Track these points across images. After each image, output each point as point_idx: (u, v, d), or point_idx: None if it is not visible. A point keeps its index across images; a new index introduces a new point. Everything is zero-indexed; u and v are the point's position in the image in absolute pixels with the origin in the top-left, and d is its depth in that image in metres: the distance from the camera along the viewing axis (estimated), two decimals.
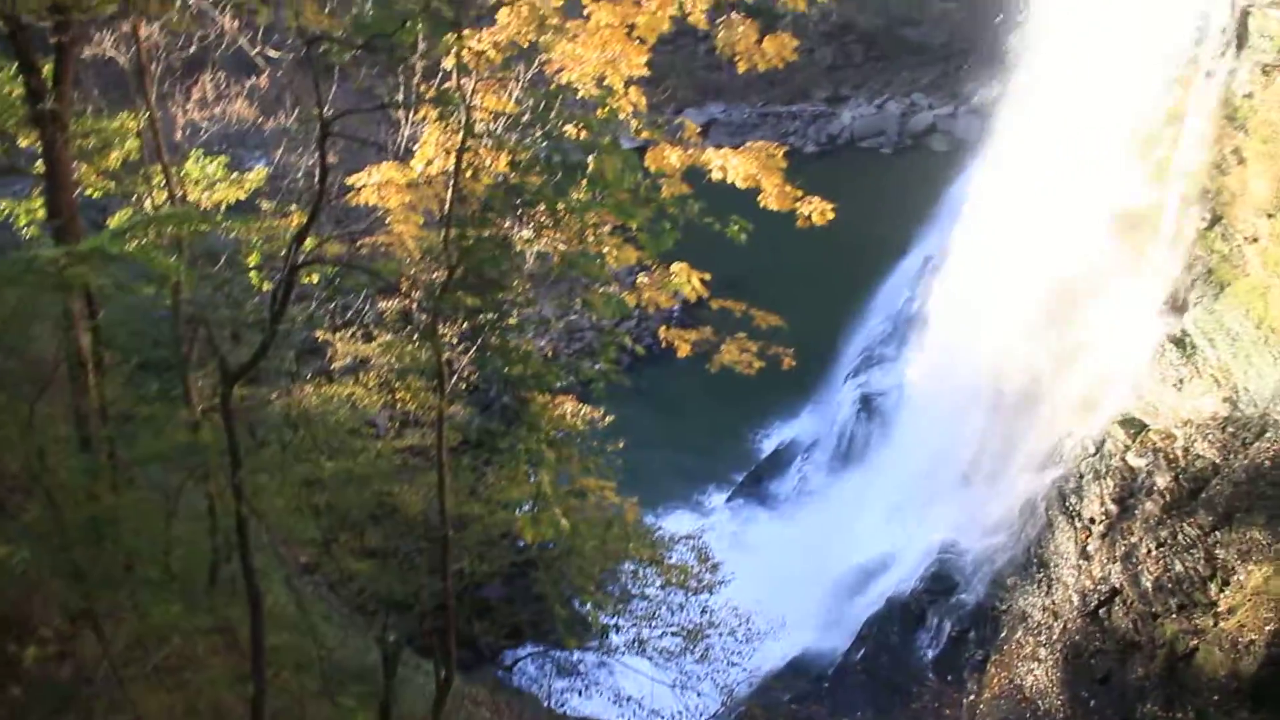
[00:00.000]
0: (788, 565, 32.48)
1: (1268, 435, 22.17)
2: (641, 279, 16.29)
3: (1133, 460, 25.23)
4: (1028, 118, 31.52)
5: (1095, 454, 26.44)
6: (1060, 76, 29.49)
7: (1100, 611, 24.31)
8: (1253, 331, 23.23)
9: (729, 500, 37.06)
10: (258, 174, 18.16)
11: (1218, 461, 23.11)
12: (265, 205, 18.27)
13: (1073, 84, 28.38)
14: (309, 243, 14.15)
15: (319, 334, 19.91)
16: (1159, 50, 24.64)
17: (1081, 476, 26.53)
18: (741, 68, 15.39)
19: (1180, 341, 25.32)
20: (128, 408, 14.54)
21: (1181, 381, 24.93)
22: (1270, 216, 22.48)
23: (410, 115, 15.51)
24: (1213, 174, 24.38)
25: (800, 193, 15.48)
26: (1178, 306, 26.00)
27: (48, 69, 13.25)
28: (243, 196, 17.82)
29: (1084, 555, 25.70)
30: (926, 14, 57.82)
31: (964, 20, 55.00)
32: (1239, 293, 23.95)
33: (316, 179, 12.97)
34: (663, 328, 17.62)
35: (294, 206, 17.87)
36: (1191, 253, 25.43)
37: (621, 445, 19.67)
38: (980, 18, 50.65)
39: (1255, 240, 23.27)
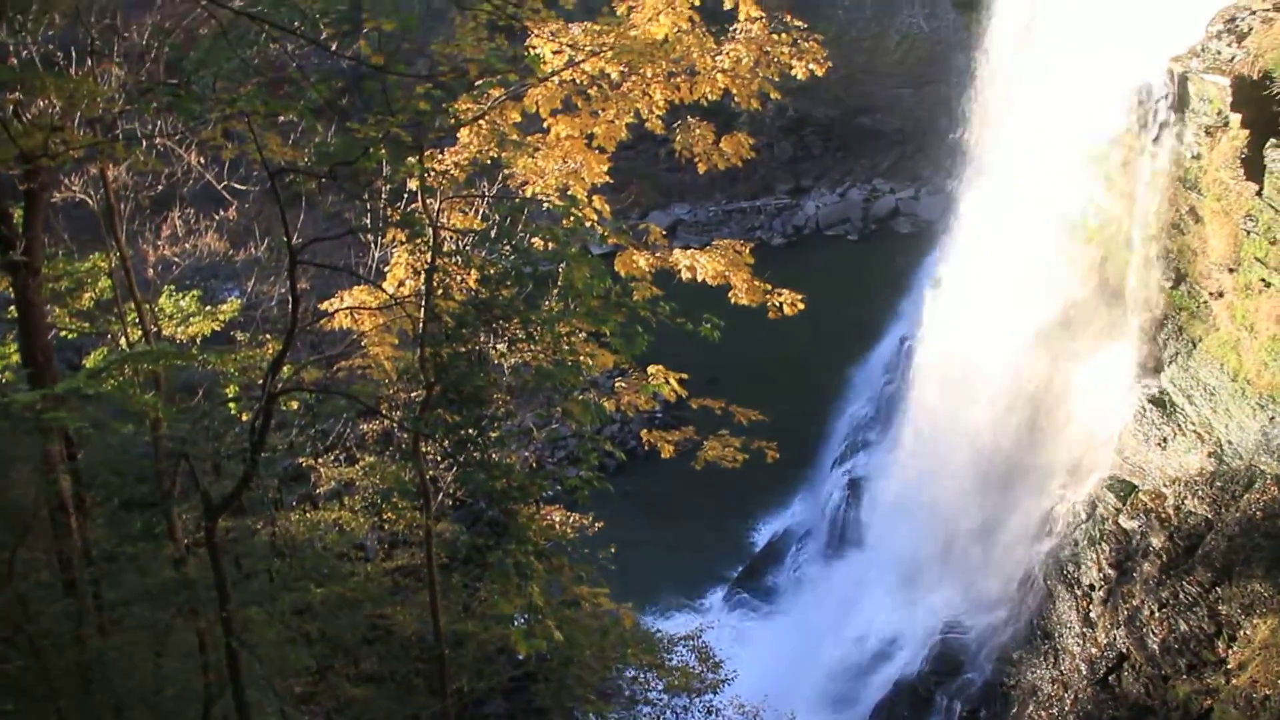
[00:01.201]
0: (791, 657, 32.09)
1: (1256, 486, 22.19)
2: (619, 383, 16.40)
3: (1125, 523, 25.17)
4: (987, 192, 32.12)
5: (1088, 520, 26.38)
6: (1014, 149, 30.17)
7: (1110, 679, 24.00)
8: (1229, 385, 23.40)
9: (726, 597, 36.67)
10: (231, 305, 18.31)
11: (1210, 517, 23.08)
12: (240, 336, 18.37)
13: (1026, 156, 28.99)
14: (286, 370, 14.20)
15: (301, 460, 19.85)
16: (1106, 118, 25.22)
17: (1076, 543, 26.42)
18: (702, 168, 15.75)
19: (1160, 401, 25.46)
20: (111, 548, 14.40)
21: (1165, 440, 25.01)
22: (1232, 271, 22.81)
23: (379, 238, 15.72)
24: (1172, 234, 24.80)
25: (770, 286, 15.73)
26: (1154, 366, 26.23)
27: (18, 215, 13.39)
28: (218, 328, 17.94)
29: (1087, 623, 25.47)
30: (879, 102, 59.07)
31: (915, 105, 56.22)
32: (1211, 348, 24.17)
33: (289, 307, 13.06)
34: (644, 431, 17.70)
35: (269, 335, 17.98)
36: (1161, 312, 25.75)
37: (613, 550, 19.55)
38: (930, 101, 52.02)
39: (1221, 295, 23.58)
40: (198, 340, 17.54)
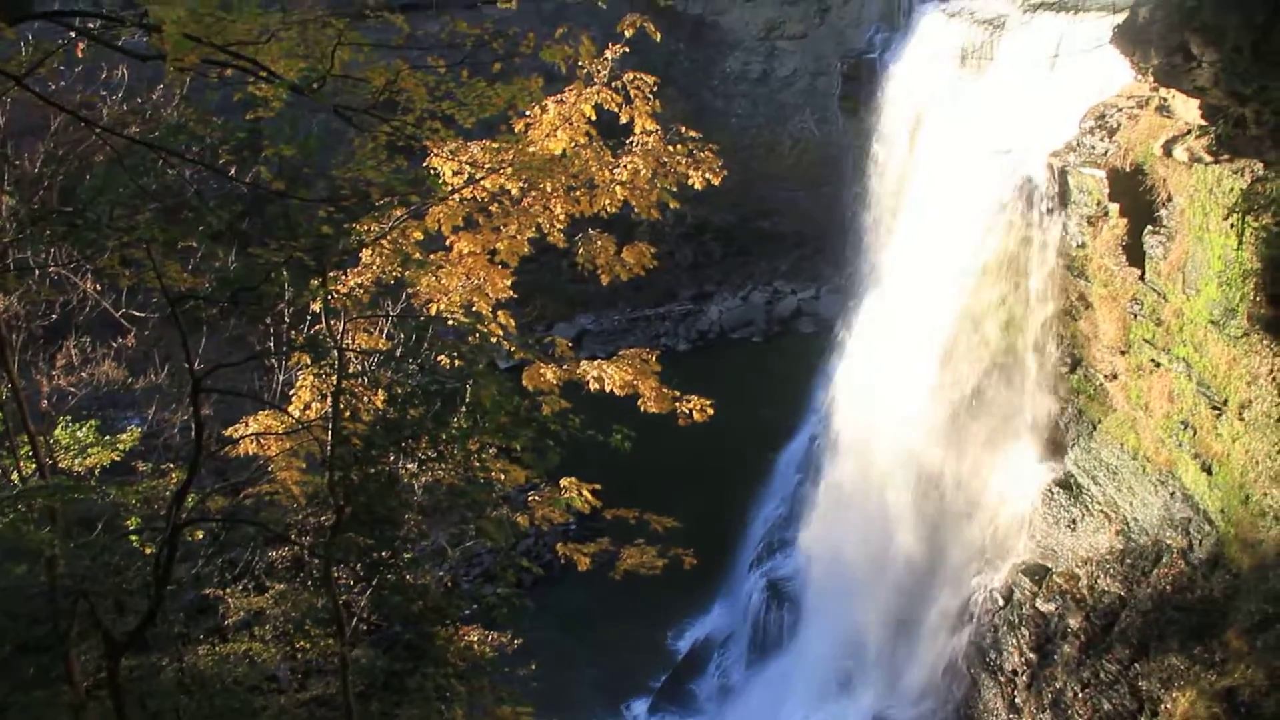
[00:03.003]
0: None
1: (1164, 561, 22.66)
2: (532, 498, 16.26)
3: (1042, 606, 25.46)
4: (886, 289, 32.93)
5: (1005, 605, 26.63)
6: (909, 245, 31.05)
7: None
8: (1130, 463, 24.03)
9: (651, 709, 35.96)
10: (131, 434, 17.82)
11: (1123, 594, 23.46)
12: (142, 466, 17.87)
13: (922, 251, 29.84)
14: (190, 500, 13.84)
15: (208, 591, 19.22)
16: (994, 212, 26.12)
17: (996, 630, 26.62)
18: (605, 280, 15.87)
19: (1066, 483, 26.02)
20: (1, 698, 13.69)
21: (1074, 522, 25.50)
22: (1123, 353, 23.59)
23: (283, 361, 15.52)
24: (1065, 320, 25.63)
25: (678, 393, 15.82)
26: (1057, 450, 26.84)
27: None
28: (117, 458, 17.41)
29: (1013, 709, 25.54)
30: (775, 205, 60.27)
31: (811, 207, 57.59)
32: (1110, 428, 24.86)
33: (193, 435, 12.80)
34: (560, 544, 17.51)
35: (171, 464, 17.53)
36: (1060, 396, 26.45)
37: (534, 667, 19.20)
38: (825, 202, 53.43)
39: (1115, 377, 24.33)
40: (96, 472, 17.00)
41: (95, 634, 13.82)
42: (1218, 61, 16.74)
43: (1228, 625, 20.39)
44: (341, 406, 12.97)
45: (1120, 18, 20.00)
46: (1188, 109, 19.82)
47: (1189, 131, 19.94)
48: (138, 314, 16.67)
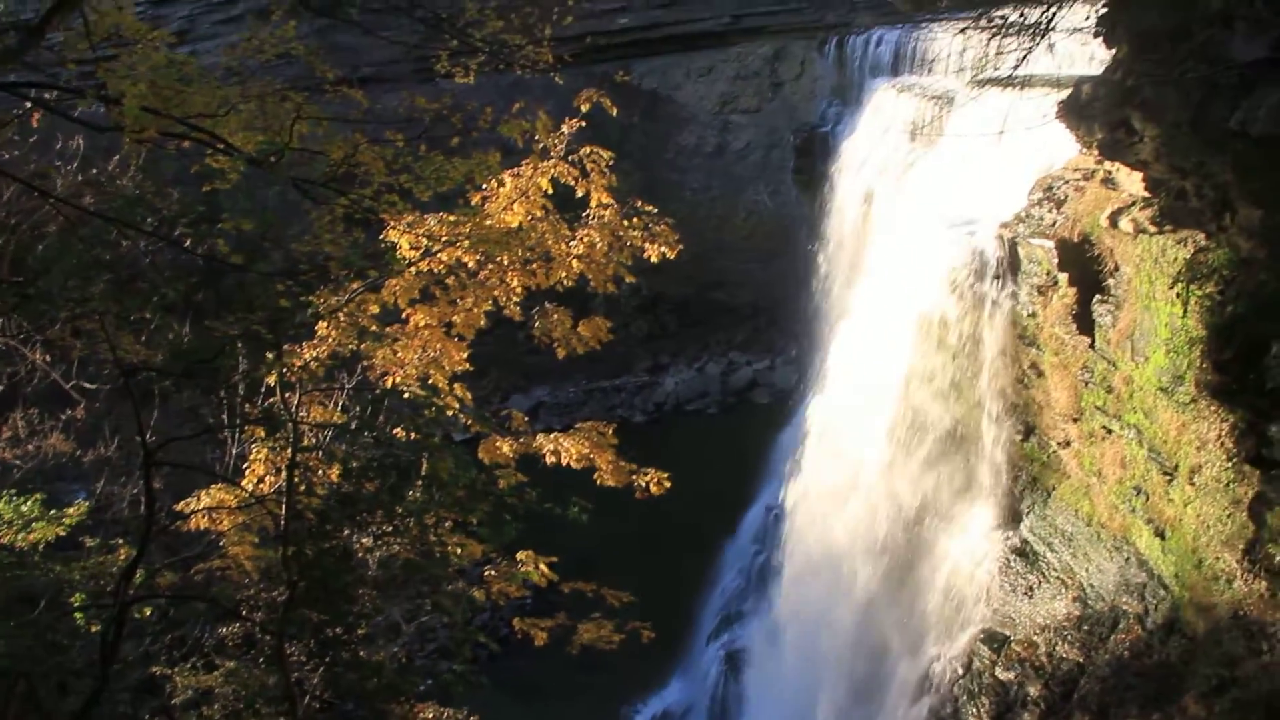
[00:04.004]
0: None
1: (1121, 627, 22.72)
2: (489, 572, 16.08)
3: (1001, 674, 25.39)
4: (842, 357, 33.19)
5: (965, 675, 26.53)
6: (865, 316, 31.39)
7: None
8: (1085, 530, 24.19)
9: None
10: (78, 508, 17.46)
11: (1082, 661, 23.45)
12: (89, 541, 17.51)
13: (877, 321, 30.16)
14: (139, 576, 13.57)
15: (155, 670, 18.76)
16: (945, 283, 26.49)
17: (957, 700, 26.49)
18: (561, 353, 15.88)
19: (1022, 551, 26.11)
20: None
21: (1031, 589, 25.55)
22: (1075, 421, 23.86)
23: (237, 434, 15.34)
24: (1018, 389, 25.91)
25: (635, 466, 15.78)
26: (1013, 517, 26.97)
27: None
28: (63, 534, 17.06)
29: None
30: (730, 276, 60.61)
31: (766, 278, 57.98)
32: (1065, 495, 25.05)
33: (143, 509, 12.59)
34: (516, 619, 17.30)
35: (120, 540, 17.20)
36: (1015, 464, 26.64)
37: None
38: (779, 274, 53.86)
39: (1068, 444, 24.57)
40: (40, 547, 16.62)
41: (35, 716, 13.41)
42: (1159, 136, 17.16)
43: (1185, 690, 20.42)
44: (296, 480, 12.82)
45: (1065, 94, 20.51)
46: (1131, 182, 20.30)
47: (1134, 203, 20.40)
48: (88, 385, 16.45)
